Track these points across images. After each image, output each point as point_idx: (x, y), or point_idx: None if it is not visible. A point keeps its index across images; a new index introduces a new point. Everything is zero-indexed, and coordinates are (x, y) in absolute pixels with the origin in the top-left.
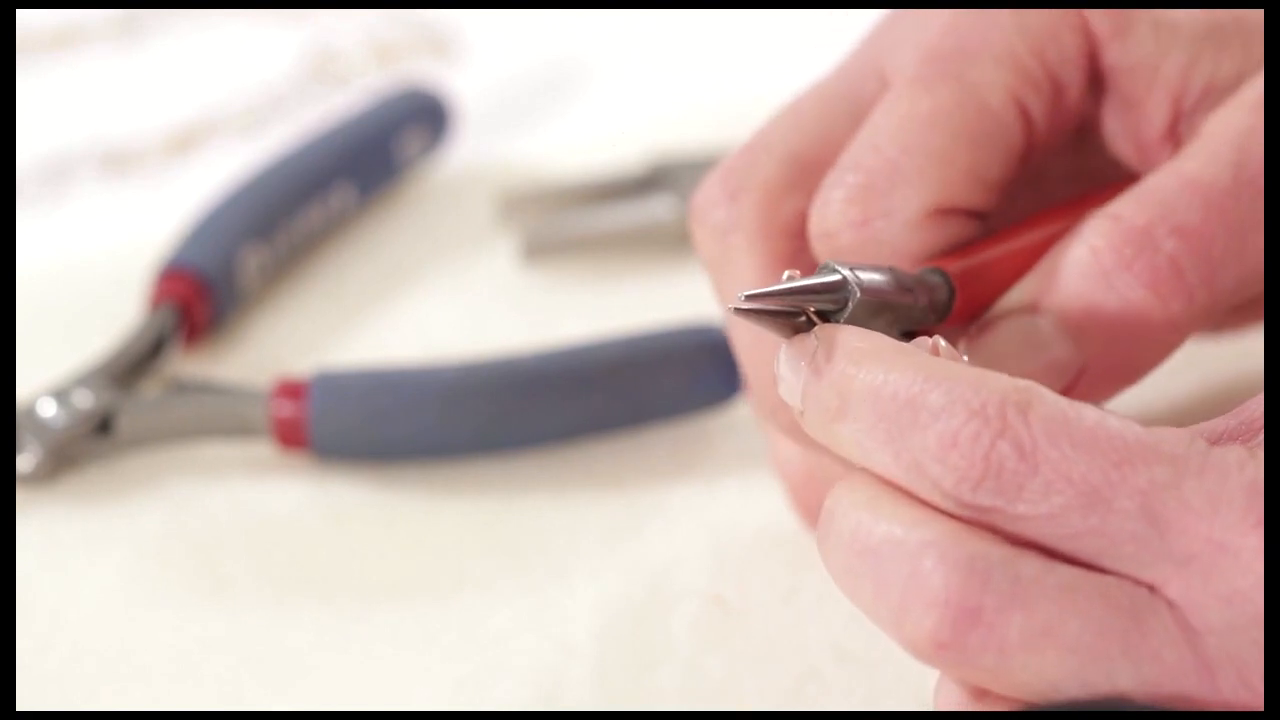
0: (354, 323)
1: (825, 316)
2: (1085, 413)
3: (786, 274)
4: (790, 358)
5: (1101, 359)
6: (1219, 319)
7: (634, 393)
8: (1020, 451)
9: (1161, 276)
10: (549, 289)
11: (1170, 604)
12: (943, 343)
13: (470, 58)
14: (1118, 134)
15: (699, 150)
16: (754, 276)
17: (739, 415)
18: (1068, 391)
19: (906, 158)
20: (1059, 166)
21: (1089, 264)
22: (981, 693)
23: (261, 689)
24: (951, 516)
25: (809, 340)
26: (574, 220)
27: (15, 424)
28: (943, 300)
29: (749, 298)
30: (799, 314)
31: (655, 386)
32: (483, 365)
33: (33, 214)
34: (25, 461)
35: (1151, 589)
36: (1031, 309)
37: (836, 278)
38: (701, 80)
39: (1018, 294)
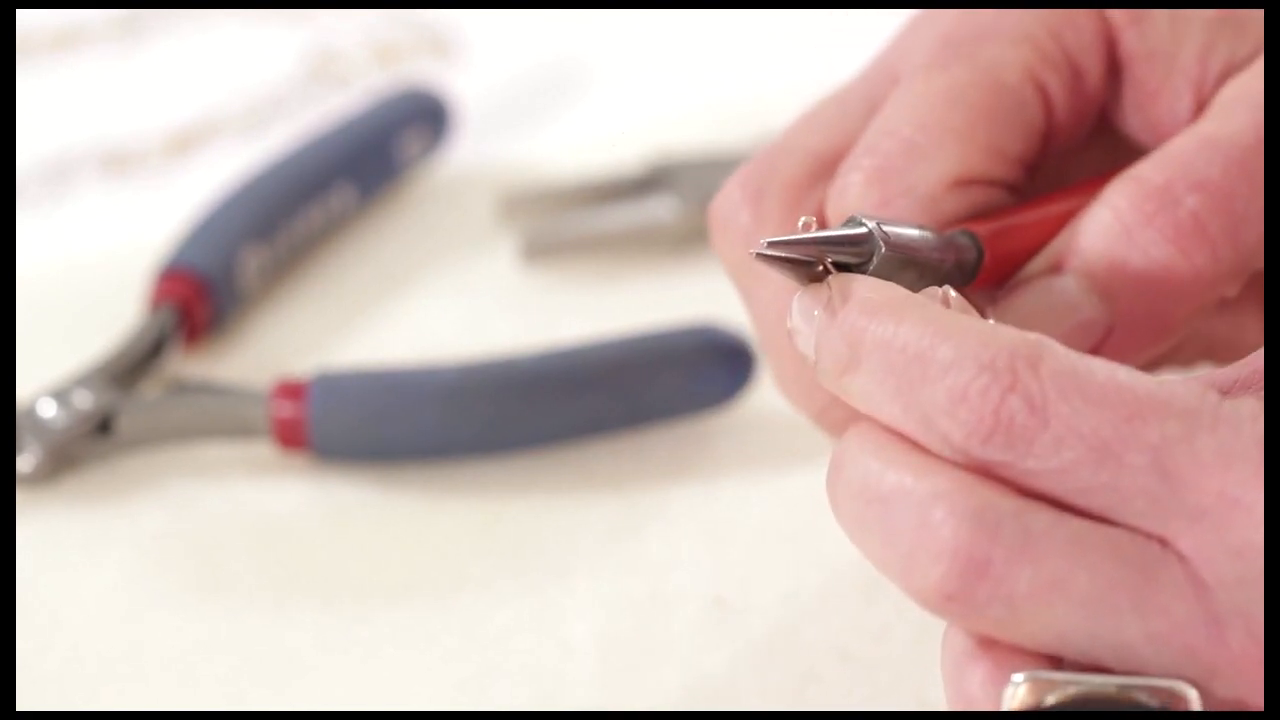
0: (354, 323)
1: (848, 269)
2: (1096, 366)
3: (802, 221)
4: (804, 308)
5: (1129, 318)
6: (1241, 281)
7: (634, 393)
8: (1030, 406)
9: (1184, 231)
10: (549, 289)
11: (1181, 558)
12: (953, 293)
13: (470, 58)
14: (1140, 127)
15: (699, 151)
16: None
17: (739, 415)
18: (1096, 352)
19: (923, 135)
20: (1085, 163)
21: (1111, 223)
22: (989, 643)
23: (262, 689)
24: (962, 467)
25: (822, 290)
26: (574, 221)
27: (16, 424)
28: (971, 261)
29: (771, 244)
30: (819, 264)
31: (655, 387)
32: (483, 366)
33: (33, 215)
34: (25, 462)
35: (1163, 543)
36: (1056, 269)
37: (863, 230)
38: (701, 81)
39: (1044, 258)
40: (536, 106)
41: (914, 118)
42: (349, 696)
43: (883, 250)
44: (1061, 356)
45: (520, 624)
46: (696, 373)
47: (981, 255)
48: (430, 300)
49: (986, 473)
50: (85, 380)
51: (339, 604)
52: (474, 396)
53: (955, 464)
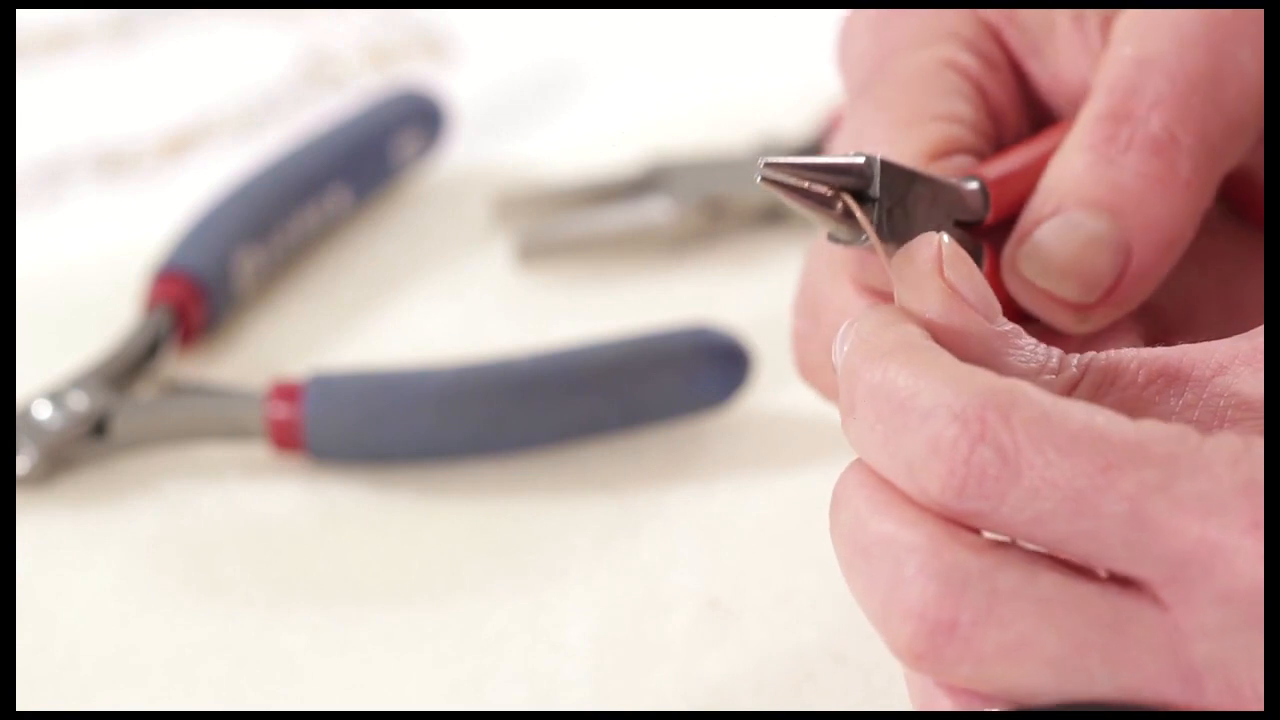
0: (349, 325)
1: (858, 196)
2: (1072, 412)
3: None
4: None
5: (1141, 233)
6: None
7: (629, 394)
8: (1002, 457)
9: (1162, 145)
10: (544, 291)
11: (1160, 605)
12: (946, 239)
13: (465, 59)
14: (1064, 108)
15: (694, 152)
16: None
17: (735, 417)
18: (1122, 278)
19: (876, 143)
20: None
21: (1092, 158)
22: (960, 690)
23: (257, 691)
24: (941, 518)
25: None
26: (569, 222)
27: (15, 426)
28: (979, 205)
29: (769, 165)
30: (829, 195)
31: (651, 388)
32: (478, 367)
33: (28, 216)
34: (20, 464)
35: (1144, 589)
36: (1055, 211)
37: (859, 160)
38: (697, 82)
39: (1033, 211)
40: (531, 107)
41: (859, 139)
42: (344, 698)
43: (879, 167)
44: (1035, 403)
45: (515, 625)
46: (692, 374)
47: (988, 197)
48: (425, 302)
49: (964, 522)
50: (80, 382)
51: (334, 605)
52: (469, 398)
53: (936, 514)
